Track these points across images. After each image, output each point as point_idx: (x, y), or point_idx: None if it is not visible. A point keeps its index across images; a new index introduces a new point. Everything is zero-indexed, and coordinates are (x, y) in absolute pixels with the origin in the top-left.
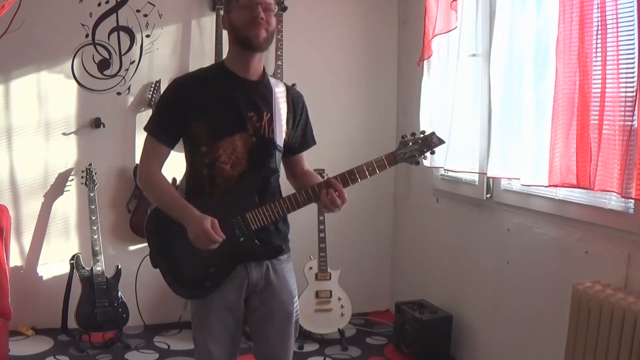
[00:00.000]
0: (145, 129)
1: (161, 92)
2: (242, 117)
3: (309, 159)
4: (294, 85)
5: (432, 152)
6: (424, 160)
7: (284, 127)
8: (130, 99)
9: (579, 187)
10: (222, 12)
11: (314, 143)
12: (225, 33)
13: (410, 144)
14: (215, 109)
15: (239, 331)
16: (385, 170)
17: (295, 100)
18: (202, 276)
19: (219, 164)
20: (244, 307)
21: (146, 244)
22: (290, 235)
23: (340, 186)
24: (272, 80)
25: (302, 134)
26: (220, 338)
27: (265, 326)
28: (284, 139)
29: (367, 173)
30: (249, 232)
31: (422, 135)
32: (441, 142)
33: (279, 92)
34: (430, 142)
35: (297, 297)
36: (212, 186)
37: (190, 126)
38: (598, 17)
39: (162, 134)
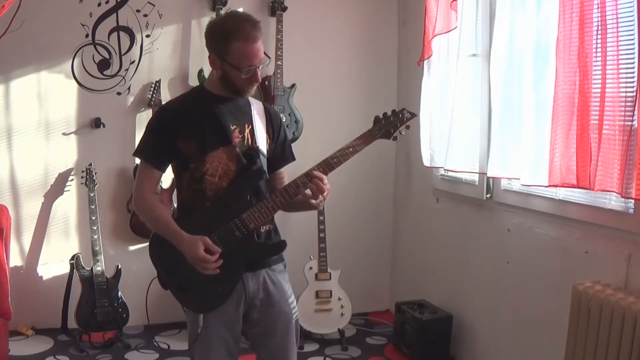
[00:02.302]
0: (135, 153)
1: (161, 93)
2: (226, 131)
3: (308, 162)
4: (293, 85)
5: (407, 127)
6: (400, 135)
7: (265, 137)
8: (130, 99)
9: (579, 187)
10: (222, 12)
11: (294, 159)
12: None
13: (384, 121)
14: (200, 126)
15: (237, 346)
16: (364, 148)
17: (273, 116)
18: (213, 285)
19: (207, 177)
20: (242, 323)
21: (146, 244)
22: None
23: (321, 174)
24: (250, 98)
25: (281, 150)
26: (219, 355)
27: (268, 338)
28: (267, 149)
29: (348, 155)
30: (248, 231)
31: (393, 112)
32: (413, 115)
33: (257, 108)
34: (402, 117)
35: (295, 304)
36: (203, 199)
37: (178, 146)
38: (598, 17)
39: (152, 157)
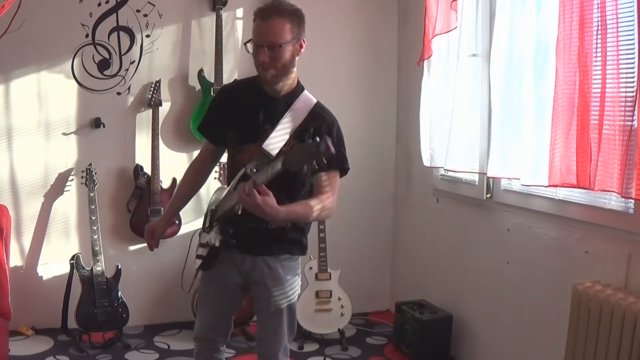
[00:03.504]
0: (198, 127)
1: (161, 93)
2: (257, 130)
3: None
4: None
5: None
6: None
7: (284, 139)
8: (130, 99)
9: (579, 187)
10: (222, 12)
11: (336, 168)
12: (225, 33)
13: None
14: (241, 121)
15: (234, 298)
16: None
17: (310, 123)
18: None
19: (238, 165)
20: (241, 283)
21: (146, 244)
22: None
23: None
24: (302, 97)
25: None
26: (215, 301)
27: (260, 315)
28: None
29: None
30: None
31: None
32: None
33: (299, 109)
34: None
35: (292, 291)
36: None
37: (226, 133)
38: (598, 17)
39: (204, 129)
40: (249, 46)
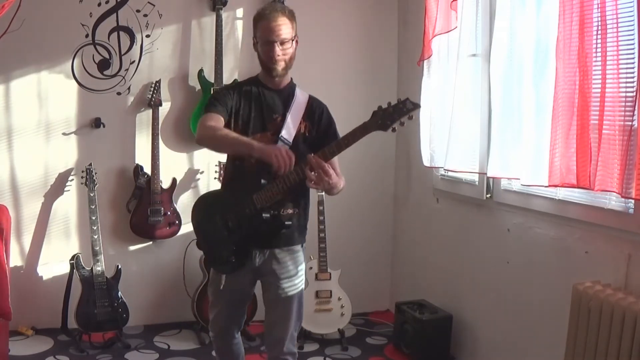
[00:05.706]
0: (205, 110)
1: (161, 93)
2: (265, 120)
3: None
4: None
5: (410, 117)
6: (400, 126)
7: (298, 125)
8: (130, 99)
9: (579, 187)
10: (222, 12)
11: None
12: (225, 33)
13: (381, 113)
14: (246, 113)
15: (246, 292)
16: (361, 139)
17: (315, 107)
18: (228, 255)
19: (246, 157)
20: (251, 283)
21: (146, 244)
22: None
23: (320, 161)
24: (298, 90)
25: (324, 136)
26: (230, 294)
27: (270, 304)
28: (300, 135)
29: (343, 146)
30: (256, 210)
31: (394, 103)
32: (416, 106)
33: (300, 99)
34: (403, 109)
35: (300, 280)
36: (241, 173)
37: (230, 121)
38: (598, 17)
39: (216, 107)
40: (256, 44)
